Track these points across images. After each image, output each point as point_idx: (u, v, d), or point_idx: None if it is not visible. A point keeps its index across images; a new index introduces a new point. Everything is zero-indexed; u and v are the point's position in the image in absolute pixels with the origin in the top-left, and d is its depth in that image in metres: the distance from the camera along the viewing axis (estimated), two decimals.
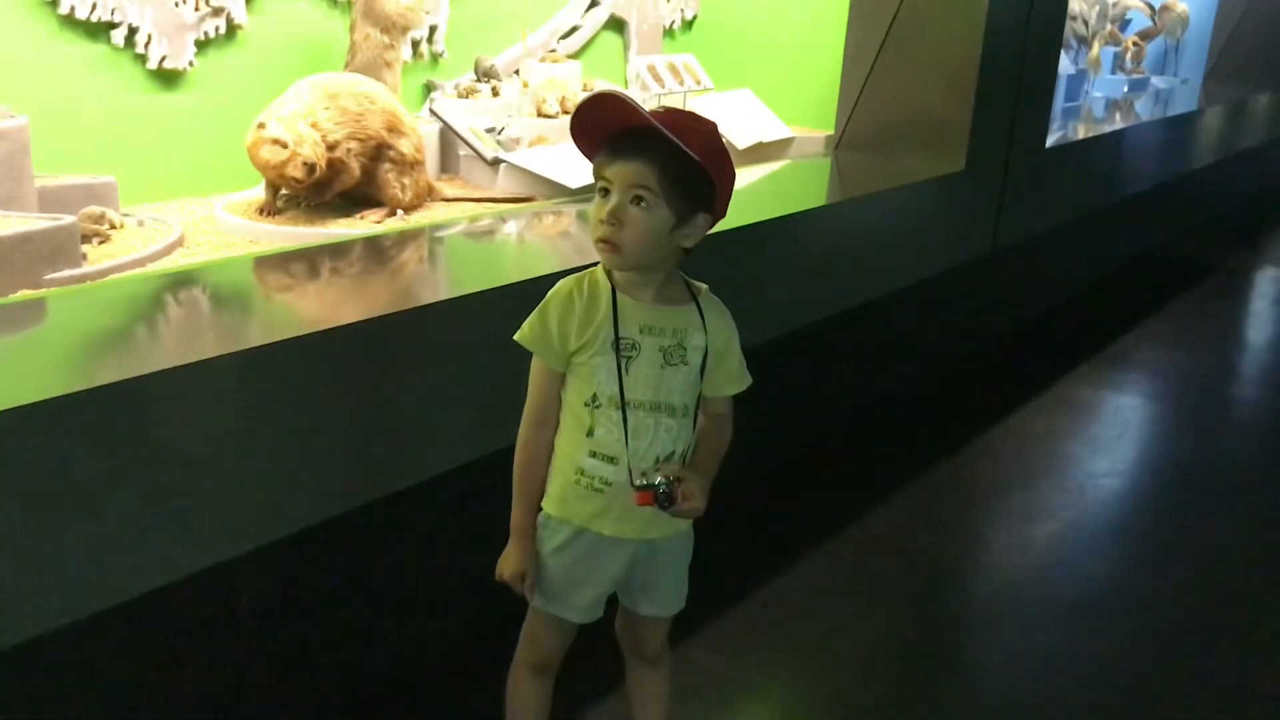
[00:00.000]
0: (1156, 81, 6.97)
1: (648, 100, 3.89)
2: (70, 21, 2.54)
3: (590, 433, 1.51)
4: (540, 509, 1.58)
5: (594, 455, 1.51)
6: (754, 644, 2.28)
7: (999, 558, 2.73)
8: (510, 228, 2.62)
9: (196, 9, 2.73)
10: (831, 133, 3.78)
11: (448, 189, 2.96)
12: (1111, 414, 3.75)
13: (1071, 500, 3.04)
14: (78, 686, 1.56)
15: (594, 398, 1.50)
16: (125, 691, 1.63)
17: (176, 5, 2.69)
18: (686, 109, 1.50)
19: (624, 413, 1.49)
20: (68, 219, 2.15)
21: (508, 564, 1.59)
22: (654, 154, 1.41)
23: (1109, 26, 6.63)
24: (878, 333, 3.49)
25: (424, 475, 1.95)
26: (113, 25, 2.61)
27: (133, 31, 2.63)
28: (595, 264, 1.54)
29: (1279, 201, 7.86)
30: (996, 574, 2.65)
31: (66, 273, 2.11)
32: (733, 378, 1.58)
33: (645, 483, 1.48)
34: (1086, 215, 4.75)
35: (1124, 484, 3.20)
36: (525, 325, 1.52)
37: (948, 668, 2.32)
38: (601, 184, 1.46)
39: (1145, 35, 7.05)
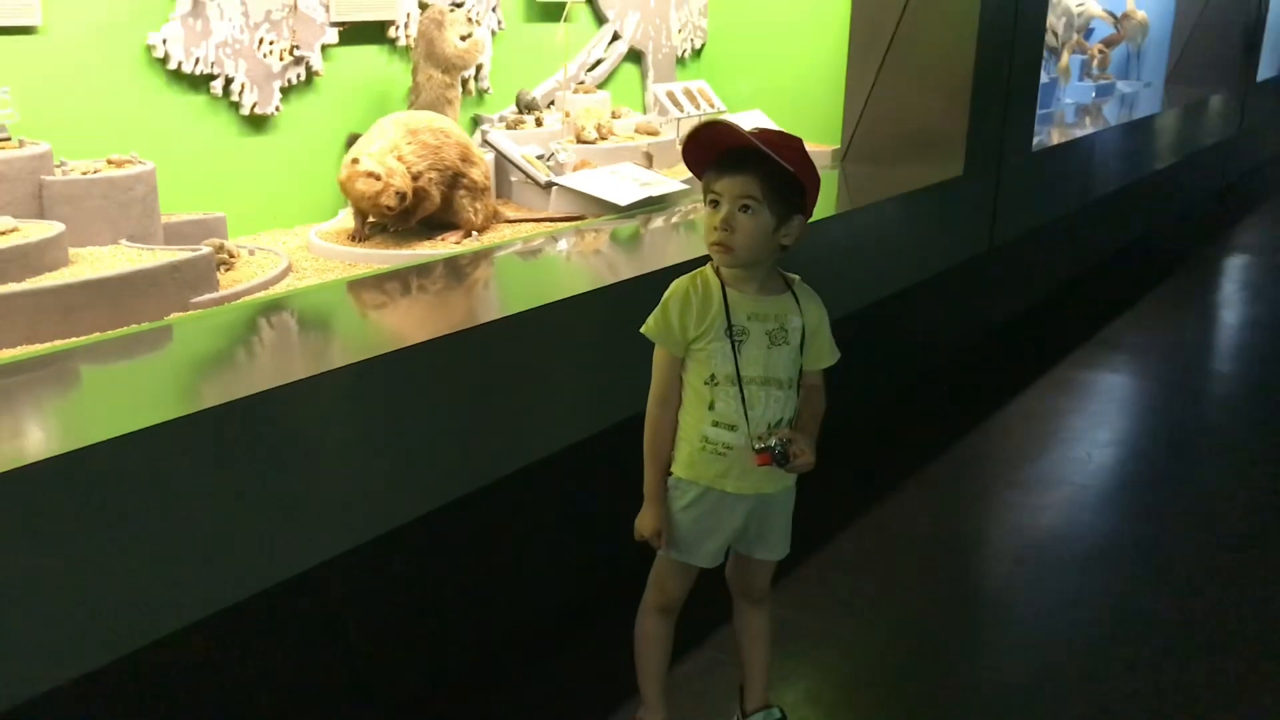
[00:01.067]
0: (1122, 86, 7.37)
1: (667, 124, 4.22)
2: (177, 75, 2.83)
3: (711, 406, 1.80)
4: (669, 474, 1.88)
5: (716, 425, 1.80)
6: (820, 599, 2.59)
7: (1021, 517, 3.06)
8: (571, 243, 2.93)
9: (281, 59, 3.03)
10: (838, 146, 4.11)
11: (508, 211, 3.26)
12: (1108, 391, 4.10)
13: (1080, 466, 3.38)
14: (237, 658, 1.84)
15: (712, 376, 1.79)
16: (290, 655, 1.91)
17: (264, 56, 2.99)
18: (776, 129, 1.80)
19: (740, 388, 1.79)
20: (205, 249, 2.44)
21: (645, 522, 1.87)
22: (756, 168, 1.71)
23: (1075, 36, 7.03)
24: (891, 326, 3.82)
25: (531, 459, 2.24)
26: (212, 77, 2.90)
27: (228, 82, 2.93)
28: (705, 261, 1.85)
29: (1240, 192, 8.30)
30: (1020, 531, 2.98)
31: (207, 296, 2.40)
32: (825, 353, 1.88)
33: (763, 446, 1.76)
34: (1071, 213, 5.13)
35: (1124, 450, 3.54)
36: (650, 320, 1.82)
37: (985, 609, 2.65)
38: (711, 196, 1.76)
39: (1109, 42, 7.46)
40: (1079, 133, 5.32)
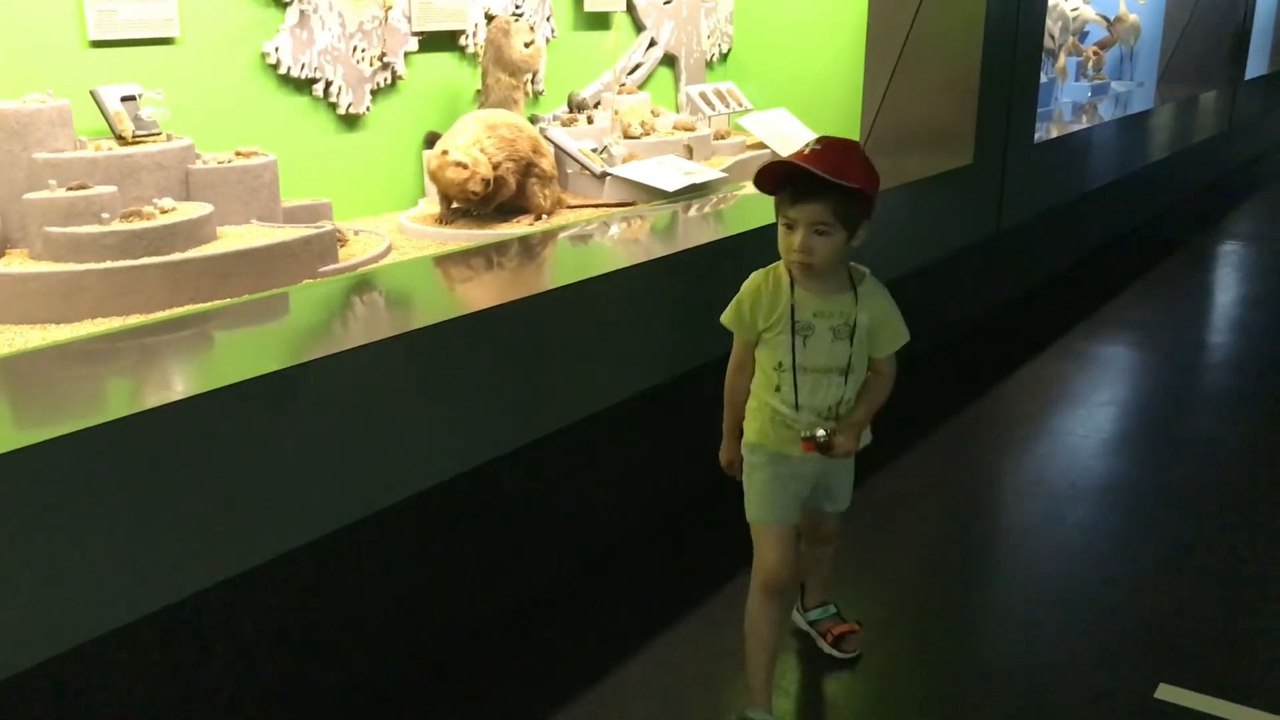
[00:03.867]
0: (1116, 85, 7.78)
1: (700, 120, 4.61)
2: (286, 79, 3.23)
3: (778, 388, 2.04)
4: (745, 441, 2.11)
5: (782, 403, 2.03)
6: (857, 527, 2.97)
7: (1032, 461, 3.44)
8: (627, 224, 3.32)
9: (371, 65, 3.43)
10: (857, 139, 4.50)
11: (569, 198, 3.65)
12: (1108, 360, 4.49)
13: (1083, 420, 3.76)
14: (363, 573, 2.21)
15: (779, 364, 2.03)
16: (411, 569, 2.29)
17: (358, 63, 3.39)
18: (834, 137, 1.95)
19: (795, 375, 2.01)
20: (329, 227, 2.83)
21: (724, 454, 2.18)
22: (826, 195, 1.86)
23: (1070, 39, 7.44)
24: (909, 302, 4.18)
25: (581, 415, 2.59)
26: (314, 81, 3.29)
27: (328, 85, 3.32)
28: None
29: (1230, 186, 8.70)
30: (1033, 472, 3.36)
31: (331, 267, 2.79)
32: (892, 338, 2.06)
33: (809, 435, 2.01)
34: (1072, 201, 5.52)
35: (1124, 408, 3.93)
36: (727, 310, 2.07)
37: (1000, 530, 3.04)
38: (785, 221, 1.92)
39: (1103, 45, 7.86)
40: (1077, 128, 5.72)
